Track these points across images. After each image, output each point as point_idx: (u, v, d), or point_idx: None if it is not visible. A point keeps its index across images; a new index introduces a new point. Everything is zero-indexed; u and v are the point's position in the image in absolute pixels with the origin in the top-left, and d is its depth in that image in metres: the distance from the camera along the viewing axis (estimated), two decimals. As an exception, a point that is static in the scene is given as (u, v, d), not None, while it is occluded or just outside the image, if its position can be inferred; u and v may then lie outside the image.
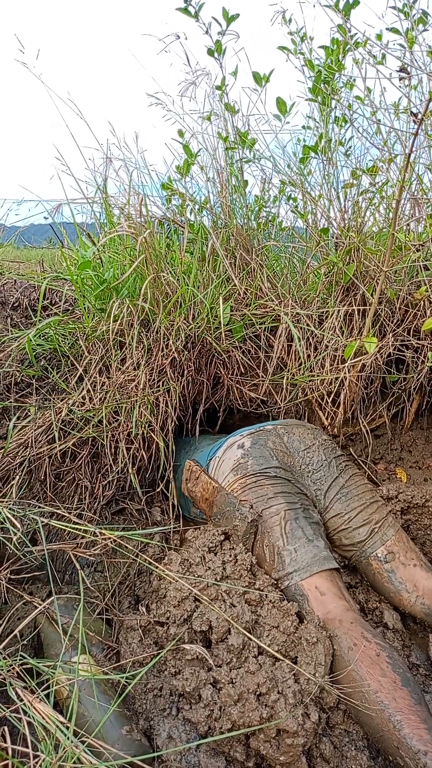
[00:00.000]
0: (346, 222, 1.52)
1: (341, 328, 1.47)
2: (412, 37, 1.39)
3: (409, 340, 1.44)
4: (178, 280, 1.44)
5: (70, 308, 1.53)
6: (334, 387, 1.45)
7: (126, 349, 1.36)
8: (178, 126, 1.59)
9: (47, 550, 1.04)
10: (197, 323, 1.41)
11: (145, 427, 1.28)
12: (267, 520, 1.12)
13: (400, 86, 1.38)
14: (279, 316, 1.48)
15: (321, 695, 0.89)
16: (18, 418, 1.27)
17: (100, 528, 1.00)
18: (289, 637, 0.95)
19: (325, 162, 1.50)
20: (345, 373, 1.40)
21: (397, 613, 1.15)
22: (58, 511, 1.10)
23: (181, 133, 1.60)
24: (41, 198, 1.44)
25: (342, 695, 0.89)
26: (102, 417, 1.24)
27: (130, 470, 1.27)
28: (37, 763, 0.67)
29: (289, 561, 1.06)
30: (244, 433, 1.31)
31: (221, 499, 1.18)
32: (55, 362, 1.41)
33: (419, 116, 1.07)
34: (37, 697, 0.76)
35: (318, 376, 1.44)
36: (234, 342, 1.50)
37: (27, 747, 0.70)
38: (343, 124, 1.47)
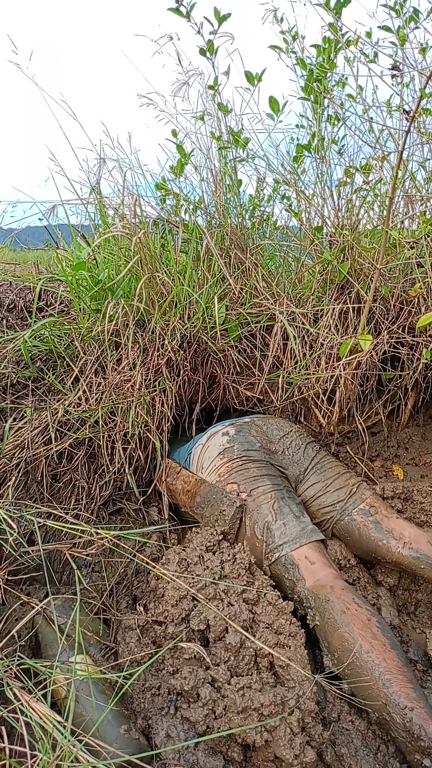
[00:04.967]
0: (340, 220, 1.52)
1: (336, 326, 1.47)
2: (403, 34, 1.40)
3: (404, 337, 1.44)
4: (173, 279, 1.44)
5: (66, 309, 1.53)
6: (330, 385, 1.45)
7: (122, 349, 1.36)
8: (171, 126, 1.59)
9: (44, 550, 1.04)
10: (193, 323, 1.41)
11: (141, 427, 1.28)
12: (256, 498, 1.18)
13: (392, 84, 1.38)
14: (274, 314, 1.48)
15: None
16: (14, 420, 1.27)
17: (97, 528, 1.00)
18: (279, 637, 0.95)
19: (318, 160, 1.50)
20: (340, 371, 1.40)
21: (395, 610, 1.15)
22: (55, 512, 1.10)
23: (174, 133, 1.59)
24: (36, 199, 1.44)
25: (339, 661, 0.92)
26: (98, 417, 1.24)
27: (126, 470, 1.27)
28: (34, 762, 0.67)
29: (279, 534, 1.12)
30: (226, 424, 1.38)
31: (205, 489, 1.23)
32: (50, 363, 1.41)
33: (411, 113, 1.07)
34: (35, 697, 0.76)
35: (313, 374, 1.45)
36: (230, 341, 1.50)
37: (24, 747, 0.70)
38: (336, 122, 1.47)
